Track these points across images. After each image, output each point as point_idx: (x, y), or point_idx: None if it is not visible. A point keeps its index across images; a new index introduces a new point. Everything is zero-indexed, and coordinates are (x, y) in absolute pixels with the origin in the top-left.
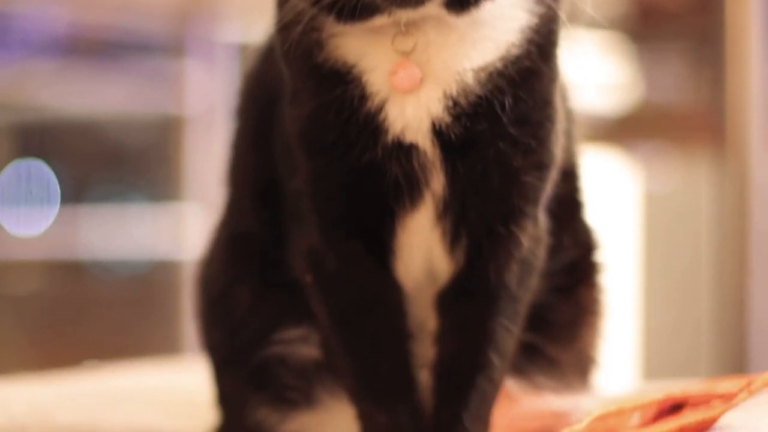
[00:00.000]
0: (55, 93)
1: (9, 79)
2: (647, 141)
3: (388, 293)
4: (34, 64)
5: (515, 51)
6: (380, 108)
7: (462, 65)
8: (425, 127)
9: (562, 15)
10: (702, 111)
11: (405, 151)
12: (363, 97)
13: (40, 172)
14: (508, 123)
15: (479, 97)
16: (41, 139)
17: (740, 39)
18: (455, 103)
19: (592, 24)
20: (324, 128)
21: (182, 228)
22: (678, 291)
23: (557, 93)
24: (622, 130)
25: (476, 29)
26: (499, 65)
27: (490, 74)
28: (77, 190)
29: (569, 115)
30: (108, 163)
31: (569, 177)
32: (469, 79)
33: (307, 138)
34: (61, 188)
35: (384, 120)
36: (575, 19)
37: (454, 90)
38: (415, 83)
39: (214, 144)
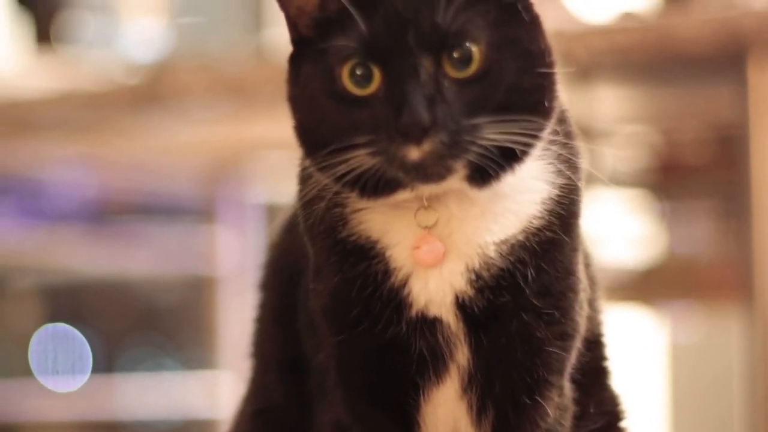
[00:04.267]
0: (85, 256)
1: (40, 243)
2: (674, 295)
3: None
4: (64, 228)
5: (537, 223)
6: (404, 283)
7: (484, 239)
8: (449, 300)
9: (582, 185)
10: (728, 265)
11: (429, 324)
12: (386, 272)
13: (71, 336)
14: (531, 294)
15: (501, 269)
16: (71, 303)
17: (766, 193)
18: (478, 276)
19: (616, 181)
20: (348, 303)
21: (215, 389)
22: None
23: (580, 262)
24: (649, 284)
25: (498, 202)
26: (521, 237)
27: (512, 247)
28: (109, 354)
29: (593, 282)
30: (139, 326)
31: (594, 345)
32: (492, 252)
33: (331, 313)
34: (92, 352)
35: (408, 294)
36: (598, 177)
37: (476, 263)
38: (438, 257)
39: (245, 304)
